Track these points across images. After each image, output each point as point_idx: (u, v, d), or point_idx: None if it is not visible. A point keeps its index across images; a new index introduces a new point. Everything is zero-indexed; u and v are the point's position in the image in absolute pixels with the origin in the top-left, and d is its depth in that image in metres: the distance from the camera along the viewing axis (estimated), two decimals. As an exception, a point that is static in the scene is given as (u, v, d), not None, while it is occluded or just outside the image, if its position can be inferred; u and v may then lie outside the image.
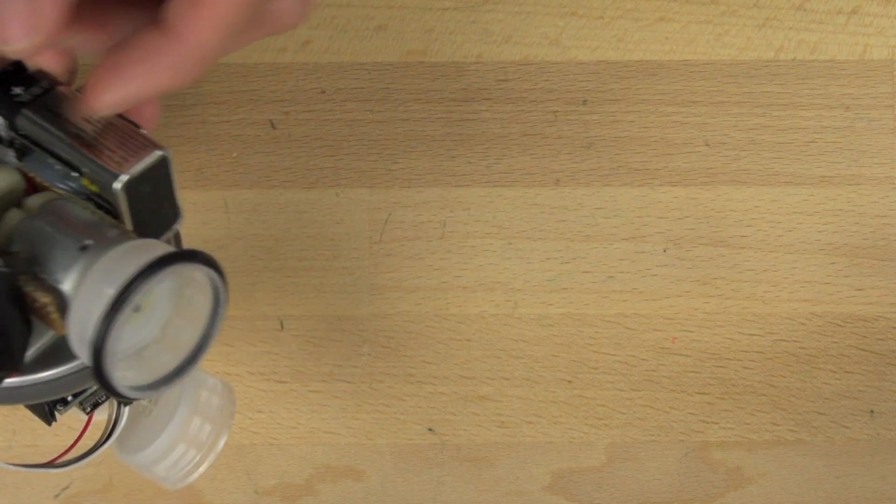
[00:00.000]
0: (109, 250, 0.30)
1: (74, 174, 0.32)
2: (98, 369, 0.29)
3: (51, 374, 0.34)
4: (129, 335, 0.31)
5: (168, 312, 0.32)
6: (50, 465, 0.40)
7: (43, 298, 0.31)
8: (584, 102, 0.50)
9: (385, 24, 0.50)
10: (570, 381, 0.50)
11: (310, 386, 0.49)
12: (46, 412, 0.39)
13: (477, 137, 0.50)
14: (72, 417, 0.40)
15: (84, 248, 0.30)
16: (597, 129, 0.50)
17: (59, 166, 0.32)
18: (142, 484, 0.49)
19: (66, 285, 0.30)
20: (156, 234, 0.33)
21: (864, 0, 0.51)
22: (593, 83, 0.50)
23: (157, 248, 0.30)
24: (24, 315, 0.31)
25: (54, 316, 0.31)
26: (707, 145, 0.50)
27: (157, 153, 0.32)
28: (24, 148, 0.33)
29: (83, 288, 0.30)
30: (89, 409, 0.39)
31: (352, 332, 0.50)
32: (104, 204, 0.32)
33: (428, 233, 0.50)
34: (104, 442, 0.39)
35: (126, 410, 0.38)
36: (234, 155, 0.50)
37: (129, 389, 0.31)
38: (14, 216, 0.31)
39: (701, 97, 0.50)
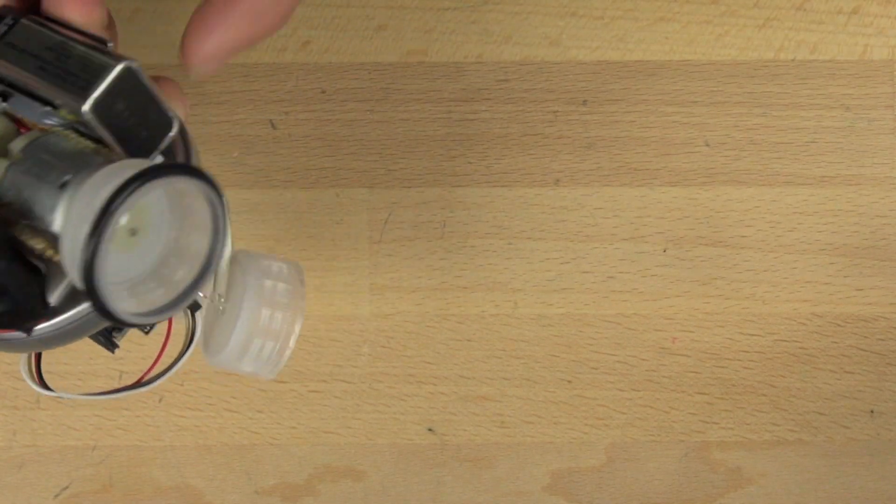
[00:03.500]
0: (86, 181, 0.30)
1: (50, 108, 0.31)
2: (98, 306, 0.29)
3: (84, 310, 0.33)
4: (135, 259, 0.31)
5: (176, 224, 0.31)
6: (138, 384, 0.39)
7: (38, 245, 0.30)
8: (584, 102, 0.50)
9: (385, 24, 0.50)
10: (570, 382, 0.50)
11: (310, 386, 0.49)
12: (104, 341, 0.38)
13: (477, 137, 0.50)
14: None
15: (64, 185, 0.30)
16: (597, 129, 0.50)
17: (37, 103, 0.31)
18: (142, 484, 0.49)
19: (56, 225, 0.30)
20: (150, 147, 0.33)
21: (864, 0, 0.51)
22: (593, 83, 0.50)
23: (129, 169, 0.29)
24: (29, 265, 0.31)
25: (56, 258, 0.30)
26: (707, 145, 0.50)
27: (119, 67, 0.31)
28: (6, 91, 0.32)
29: (66, 229, 0.29)
30: (147, 329, 0.38)
31: (352, 332, 0.50)
32: (86, 131, 0.31)
33: (428, 233, 0.50)
34: (186, 350, 0.39)
35: (199, 315, 0.38)
36: (235, 155, 0.50)
37: (133, 316, 0.30)
38: (0, 166, 0.31)
39: (701, 97, 0.50)
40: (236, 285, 0.38)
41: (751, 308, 0.50)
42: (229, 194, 0.50)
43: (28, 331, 0.32)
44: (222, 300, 0.38)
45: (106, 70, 0.31)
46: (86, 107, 0.30)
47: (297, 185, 0.50)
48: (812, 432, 0.50)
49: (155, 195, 0.30)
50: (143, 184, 0.28)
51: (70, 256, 0.29)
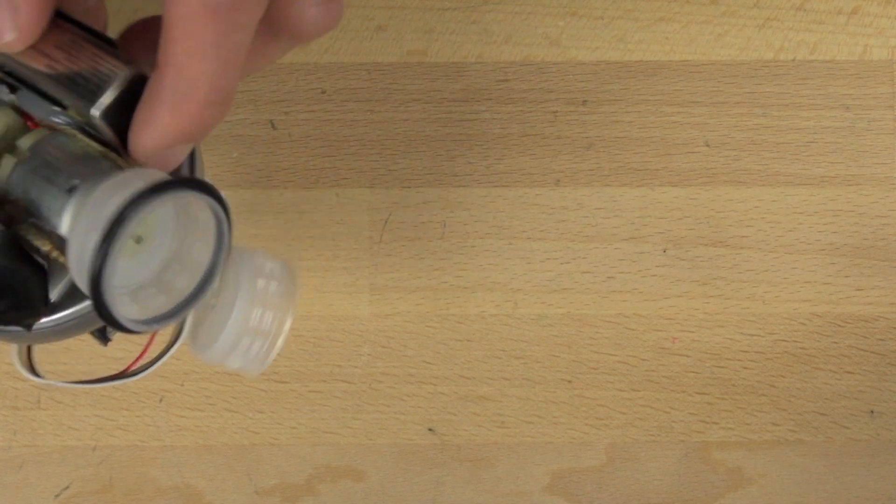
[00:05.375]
0: (96, 189, 0.30)
1: (58, 107, 0.31)
2: (102, 313, 0.29)
3: (85, 307, 0.34)
4: (138, 265, 0.31)
5: (179, 232, 0.32)
6: (122, 375, 0.40)
7: (44, 246, 0.31)
8: (584, 103, 0.50)
9: (385, 24, 0.50)
10: (570, 382, 0.50)
11: (310, 386, 0.49)
12: (98, 335, 0.38)
13: (477, 137, 0.50)
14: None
15: (72, 190, 0.30)
16: (597, 129, 0.50)
17: (44, 100, 0.31)
18: (142, 484, 0.49)
19: (63, 229, 0.30)
20: None
21: (864, 0, 0.51)
22: (593, 83, 0.50)
23: (140, 180, 0.29)
24: (34, 263, 0.31)
25: (62, 260, 0.31)
26: (707, 145, 0.50)
27: (129, 73, 0.31)
28: (13, 84, 0.32)
29: (73, 235, 0.29)
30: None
31: (352, 332, 0.50)
32: (94, 133, 0.31)
33: (428, 233, 0.50)
34: (174, 343, 0.39)
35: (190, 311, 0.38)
36: (234, 155, 0.50)
37: (142, 324, 0.30)
38: (7, 163, 0.31)
39: (701, 97, 0.50)
40: (228, 282, 0.38)
41: (751, 308, 0.50)
42: (229, 194, 0.50)
43: (28, 327, 0.32)
44: (213, 296, 0.38)
45: (116, 75, 0.31)
46: (95, 111, 0.30)
47: (297, 185, 0.50)
48: (812, 432, 0.50)
49: (164, 207, 0.31)
50: (154, 197, 0.29)
51: (77, 262, 0.29)
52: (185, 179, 0.30)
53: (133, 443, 0.49)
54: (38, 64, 0.31)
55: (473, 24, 0.50)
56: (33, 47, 0.31)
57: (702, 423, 0.50)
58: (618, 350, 0.50)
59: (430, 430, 0.49)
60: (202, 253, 0.32)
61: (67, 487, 0.49)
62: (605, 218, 0.50)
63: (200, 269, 0.32)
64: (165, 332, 0.39)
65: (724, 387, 0.50)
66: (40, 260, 0.31)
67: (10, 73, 0.32)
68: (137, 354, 0.41)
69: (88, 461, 0.49)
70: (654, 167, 0.50)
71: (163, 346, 0.39)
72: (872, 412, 0.50)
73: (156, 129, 0.30)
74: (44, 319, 0.33)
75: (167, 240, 0.32)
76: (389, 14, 0.50)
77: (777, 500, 0.50)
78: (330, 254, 0.50)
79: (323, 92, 0.50)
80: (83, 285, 0.29)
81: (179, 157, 0.31)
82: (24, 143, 0.31)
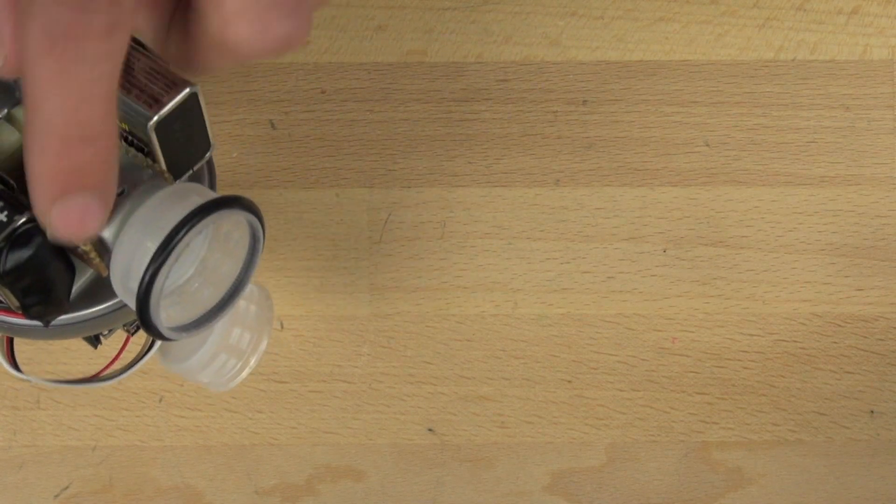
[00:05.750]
0: (147, 198, 0.30)
1: None
2: (144, 318, 0.30)
3: (98, 310, 0.34)
4: (170, 274, 0.31)
5: (205, 247, 0.32)
6: (94, 379, 0.40)
7: (84, 246, 0.31)
8: (584, 102, 0.50)
9: (385, 24, 0.50)
10: (569, 382, 0.50)
11: (310, 386, 0.49)
12: (92, 338, 0.39)
13: (477, 137, 0.50)
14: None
15: (120, 194, 0.30)
16: (597, 129, 0.50)
17: None
18: (142, 484, 0.49)
19: (106, 232, 0.31)
20: (188, 166, 0.34)
21: (864, 0, 0.51)
22: (593, 83, 0.50)
23: (195, 194, 0.30)
24: (66, 259, 0.32)
25: (97, 261, 0.31)
26: (707, 145, 0.50)
27: (187, 90, 0.31)
28: None
29: (124, 239, 0.30)
30: (133, 330, 0.39)
31: (352, 332, 0.50)
32: (135, 141, 0.32)
33: (428, 233, 0.50)
34: (146, 353, 0.39)
35: None
36: (234, 155, 0.50)
37: (173, 332, 0.31)
38: None
39: (701, 97, 0.50)
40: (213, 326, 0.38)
41: (751, 308, 0.50)
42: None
43: (47, 323, 0.33)
44: None
45: (174, 90, 0.31)
46: (151, 123, 0.31)
47: (297, 185, 0.50)
48: (812, 432, 0.50)
49: (218, 223, 0.31)
50: (214, 212, 0.29)
51: (123, 267, 0.30)
52: (237, 198, 0.31)
53: (133, 443, 0.49)
54: None
55: (473, 24, 0.51)
56: None
57: (702, 423, 0.50)
58: (618, 350, 0.50)
59: (429, 430, 0.49)
60: (229, 268, 0.32)
61: (67, 487, 0.49)
62: (605, 218, 0.50)
63: (225, 282, 0.32)
64: (138, 342, 0.39)
65: (724, 387, 0.50)
66: (73, 258, 0.32)
67: None
68: (121, 359, 0.42)
69: (88, 461, 0.49)
70: (654, 167, 0.50)
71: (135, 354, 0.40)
72: (872, 412, 0.50)
73: (33, 177, 0.27)
74: (60, 317, 0.34)
75: (194, 253, 0.32)
76: (389, 14, 0.50)
77: (777, 500, 0.50)
78: (330, 254, 0.50)
79: (323, 92, 0.50)
80: (125, 288, 0.30)
81: (85, 218, 0.28)
82: None
